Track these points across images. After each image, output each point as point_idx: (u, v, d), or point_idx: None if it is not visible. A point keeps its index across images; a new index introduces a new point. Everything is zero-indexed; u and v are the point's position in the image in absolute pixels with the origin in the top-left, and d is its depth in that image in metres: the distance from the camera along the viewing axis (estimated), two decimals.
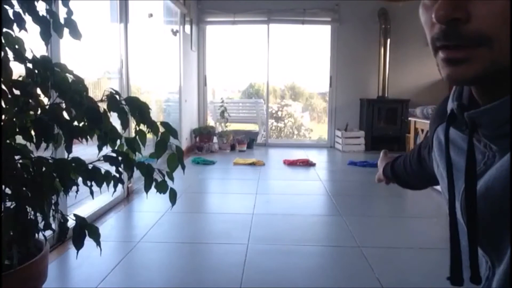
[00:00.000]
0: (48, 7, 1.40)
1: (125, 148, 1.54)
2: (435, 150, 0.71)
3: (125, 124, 1.47)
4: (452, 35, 0.46)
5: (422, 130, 5.01)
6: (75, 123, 1.42)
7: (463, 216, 0.58)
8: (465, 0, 0.45)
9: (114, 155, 1.50)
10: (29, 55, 1.39)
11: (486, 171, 0.54)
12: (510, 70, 0.49)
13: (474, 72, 0.47)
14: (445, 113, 0.63)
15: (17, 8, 1.34)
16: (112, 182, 1.51)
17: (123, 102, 1.45)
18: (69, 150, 1.39)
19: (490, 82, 0.49)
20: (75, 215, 1.47)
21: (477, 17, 0.45)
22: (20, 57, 1.36)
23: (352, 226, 2.78)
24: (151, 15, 4.50)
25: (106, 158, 1.50)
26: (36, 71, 1.37)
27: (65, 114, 1.42)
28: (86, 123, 1.42)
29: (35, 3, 1.37)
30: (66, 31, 1.46)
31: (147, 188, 1.53)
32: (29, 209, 1.34)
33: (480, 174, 0.55)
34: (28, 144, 1.40)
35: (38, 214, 1.37)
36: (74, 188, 1.47)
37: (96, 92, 3.41)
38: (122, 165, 1.51)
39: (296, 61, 9.41)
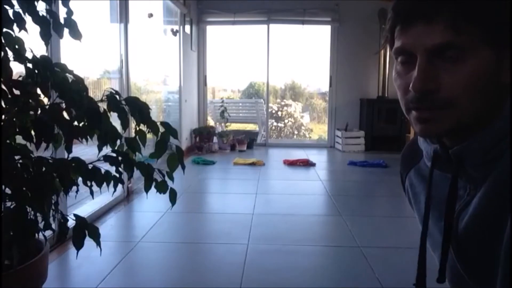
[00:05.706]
0: (48, 7, 1.40)
1: (125, 148, 1.54)
2: (410, 193, 0.76)
3: (125, 124, 1.47)
4: (424, 101, 0.57)
5: None
6: (75, 123, 1.42)
7: (456, 256, 0.65)
8: (436, 72, 0.55)
9: (114, 155, 1.50)
10: (29, 55, 1.39)
11: (470, 201, 0.61)
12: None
13: (440, 129, 0.58)
14: (414, 156, 0.75)
15: (17, 8, 1.34)
16: (112, 182, 1.51)
17: (123, 102, 1.45)
18: (69, 150, 1.39)
19: (458, 133, 0.59)
20: (75, 215, 1.47)
21: (445, 87, 0.55)
22: (20, 57, 1.36)
23: (352, 226, 2.78)
24: (151, 15, 4.50)
25: (106, 158, 1.50)
26: (36, 71, 1.37)
27: (65, 114, 1.42)
28: (86, 123, 1.42)
29: (35, 3, 1.37)
30: (66, 31, 1.46)
31: (147, 188, 1.53)
32: (29, 209, 1.34)
33: (465, 205, 0.62)
34: (28, 144, 1.40)
35: (38, 214, 1.37)
36: (74, 188, 1.47)
37: (96, 92, 3.41)
38: (122, 165, 1.51)
39: (296, 61, 9.43)
